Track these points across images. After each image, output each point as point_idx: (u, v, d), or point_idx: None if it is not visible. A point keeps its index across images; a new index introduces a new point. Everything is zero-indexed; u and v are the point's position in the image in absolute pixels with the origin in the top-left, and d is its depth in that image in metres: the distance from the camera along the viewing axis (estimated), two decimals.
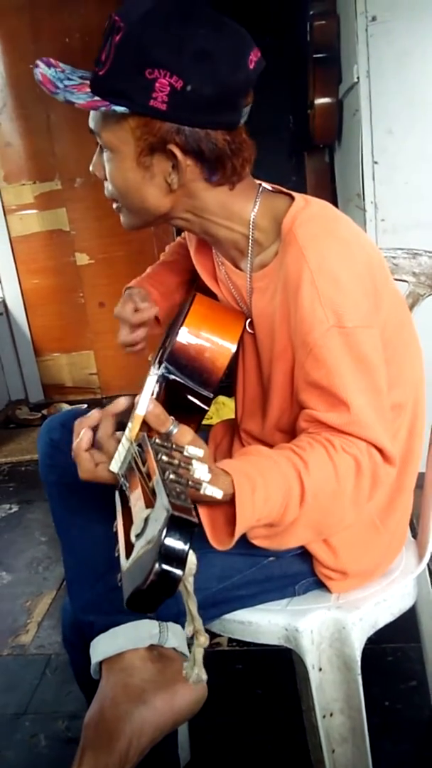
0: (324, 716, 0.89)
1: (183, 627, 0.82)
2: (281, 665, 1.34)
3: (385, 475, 0.79)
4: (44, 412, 3.07)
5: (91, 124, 0.82)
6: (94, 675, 0.81)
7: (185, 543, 0.50)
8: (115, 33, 0.74)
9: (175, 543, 0.49)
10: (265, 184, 0.88)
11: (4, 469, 2.65)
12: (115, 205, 0.88)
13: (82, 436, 0.78)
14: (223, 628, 0.92)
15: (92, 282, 3.10)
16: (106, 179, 0.85)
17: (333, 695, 0.89)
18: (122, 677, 0.78)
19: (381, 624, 0.92)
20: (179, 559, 0.50)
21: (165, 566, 0.49)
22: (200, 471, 0.61)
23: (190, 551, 0.53)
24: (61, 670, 1.47)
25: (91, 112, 0.81)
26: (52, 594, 1.77)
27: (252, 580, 0.89)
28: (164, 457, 0.59)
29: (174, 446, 0.63)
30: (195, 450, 0.63)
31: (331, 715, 0.89)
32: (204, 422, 0.88)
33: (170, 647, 0.80)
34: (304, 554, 0.90)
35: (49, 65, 0.79)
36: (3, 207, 3.04)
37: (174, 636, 0.81)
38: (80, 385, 3.27)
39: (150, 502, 0.57)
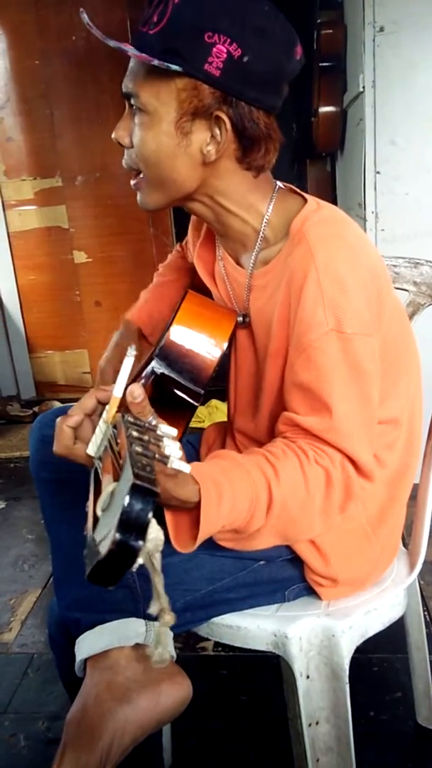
0: (310, 724, 0.88)
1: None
2: (267, 672, 1.34)
3: (359, 488, 0.78)
4: (35, 409, 3.05)
5: (128, 84, 0.79)
6: (78, 673, 0.80)
7: (146, 511, 0.49)
8: None
9: (135, 511, 0.48)
10: (280, 183, 0.88)
11: None
12: (133, 182, 0.85)
13: (72, 413, 0.74)
14: (211, 632, 0.91)
15: (89, 280, 3.09)
16: (130, 146, 0.82)
17: (320, 703, 0.88)
18: (107, 675, 0.77)
19: (370, 633, 0.91)
20: (140, 528, 0.49)
21: (124, 534, 0.48)
22: (171, 448, 0.61)
23: (156, 525, 0.52)
24: (44, 669, 1.45)
25: (130, 72, 0.78)
26: (37, 592, 1.75)
27: (241, 583, 0.88)
28: (134, 433, 0.59)
29: (147, 424, 0.63)
30: (168, 429, 0.63)
31: (317, 723, 0.89)
32: (196, 425, 0.87)
33: None
34: (294, 560, 0.89)
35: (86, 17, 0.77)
36: (2, 202, 3.02)
37: None
38: (73, 384, 3.25)
39: (117, 477, 0.57)
